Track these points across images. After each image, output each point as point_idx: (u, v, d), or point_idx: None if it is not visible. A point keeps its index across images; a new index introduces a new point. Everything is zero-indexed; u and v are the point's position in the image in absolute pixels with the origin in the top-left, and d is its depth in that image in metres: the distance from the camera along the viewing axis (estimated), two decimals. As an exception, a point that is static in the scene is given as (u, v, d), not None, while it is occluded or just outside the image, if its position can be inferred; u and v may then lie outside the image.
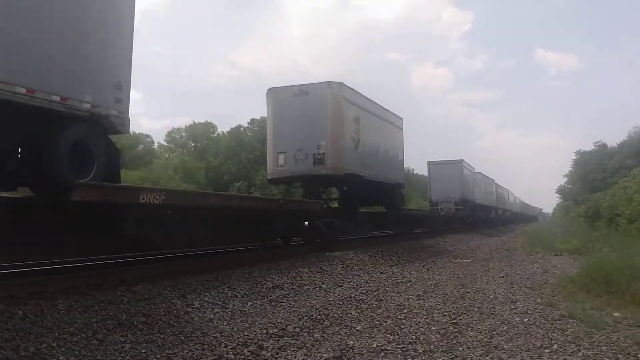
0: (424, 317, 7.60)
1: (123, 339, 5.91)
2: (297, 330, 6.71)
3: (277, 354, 5.69)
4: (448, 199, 37.89)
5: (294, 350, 5.83)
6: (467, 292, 9.85)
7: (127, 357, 5.43)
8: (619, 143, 44.97)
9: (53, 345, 5.42)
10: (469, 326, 7.00)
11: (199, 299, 7.86)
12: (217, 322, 7.08)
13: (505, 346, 6.00)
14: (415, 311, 8.00)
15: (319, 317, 7.51)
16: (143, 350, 5.65)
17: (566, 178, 58.13)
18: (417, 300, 8.99)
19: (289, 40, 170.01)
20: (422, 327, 6.93)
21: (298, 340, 6.28)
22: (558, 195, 66.00)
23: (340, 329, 6.87)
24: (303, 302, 8.71)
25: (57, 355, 5.23)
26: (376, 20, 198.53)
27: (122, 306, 6.83)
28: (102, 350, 5.53)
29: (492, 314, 7.80)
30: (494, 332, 6.64)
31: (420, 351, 5.83)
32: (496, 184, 56.88)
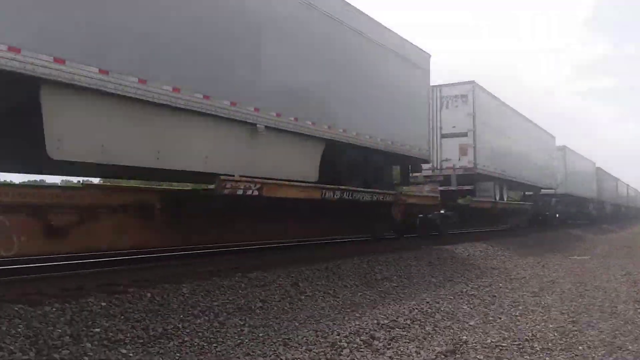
0: (540, 314, 7.33)
1: (242, 323, 6.21)
2: (409, 322, 6.72)
3: (389, 344, 5.74)
4: None
5: (405, 342, 5.85)
6: (586, 290, 9.37)
7: (246, 340, 5.68)
8: None
9: (179, 326, 5.78)
10: (589, 325, 6.67)
11: (310, 287, 8.08)
12: (329, 311, 7.25)
13: (630, 347, 5.67)
14: (531, 308, 7.74)
15: (430, 310, 7.47)
16: (260, 334, 5.90)
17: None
18: (532, 297, 8.68)
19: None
20: (538, 325, 6.69)
21: (409, 332, 6.29)
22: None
23: (453, 324, 6.80)
24: (413, 295, 8.69)
25: (182, 335, 5.57)
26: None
27: (240, 291, 7.17)
28: (223, 332, 5.83)
29: (614, 313, 7.39)
30: (617, 332, 6.30)
31: (538, 349, 5.63)
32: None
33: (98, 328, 5.23)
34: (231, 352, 5.31)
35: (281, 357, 5.17)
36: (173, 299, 6.46)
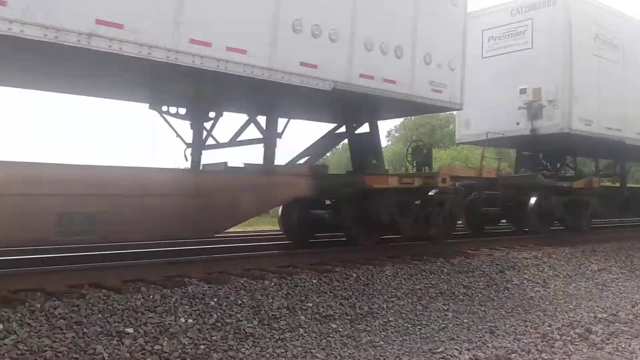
0: None
1: (445, 307, 6.19)
2: (631, 317, 6.11)
3: (608, 339, 5.28)
4: None
5: (627, 338, 5.34)
6: None
7: (450, 325, 5.66)
8: None
9: (383, 306, 5.96)
10: None
11: (518, 275, 7.75)
12: (538, 301, 6.89)
13: None
14: None
15: (656, 306, 6.72)
16: (465, 320, 5.83)
17: None
18: None
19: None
20: None
21: (632, 328, 5.72)
22: None
23: (686, 322, 6.03)
24: (636, 289, 7.88)
25: (387, 315, 5.74)
26: None
27: (442, 276, 7.14)
28: (427, 315, 5.88)
29: None
30: None
31: None
32: None
33: (310, 303, 5.61)
34: (435, 335, 5.33)
35: (488, 344, 5.05)
36: (377, 280, 6.65)
